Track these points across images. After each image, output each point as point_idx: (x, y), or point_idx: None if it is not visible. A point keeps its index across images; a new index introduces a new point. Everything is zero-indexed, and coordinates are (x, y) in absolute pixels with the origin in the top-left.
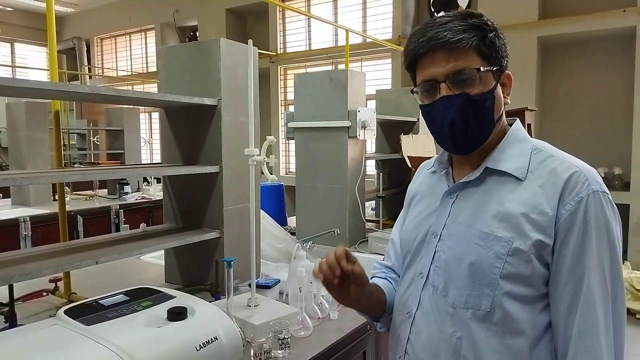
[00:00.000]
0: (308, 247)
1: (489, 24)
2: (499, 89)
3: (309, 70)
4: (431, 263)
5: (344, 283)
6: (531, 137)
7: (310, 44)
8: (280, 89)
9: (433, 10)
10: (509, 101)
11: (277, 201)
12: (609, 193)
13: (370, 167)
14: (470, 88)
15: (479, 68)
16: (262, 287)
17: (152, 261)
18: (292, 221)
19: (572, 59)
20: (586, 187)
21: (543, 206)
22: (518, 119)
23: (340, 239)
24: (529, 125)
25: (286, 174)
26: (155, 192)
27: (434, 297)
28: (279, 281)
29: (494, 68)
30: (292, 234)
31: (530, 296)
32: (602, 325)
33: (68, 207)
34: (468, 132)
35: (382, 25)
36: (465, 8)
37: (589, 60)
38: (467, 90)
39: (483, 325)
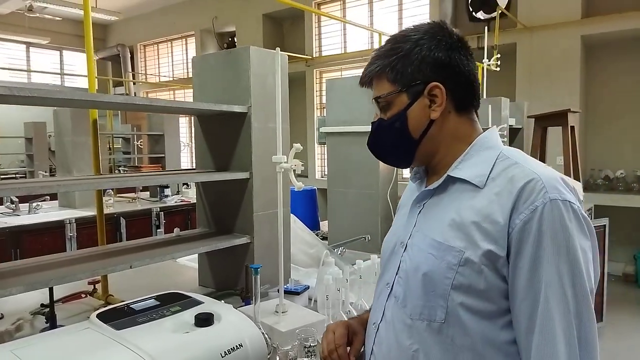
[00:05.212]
0: (339, 252)
1: (399, 47)
2: (418, 105)
3: (345, 73)
4: (396, 273)
5: None
6: (574, 140)
7: (345, 47)
8: (316, 92)
9: (471, 9)
10: (435, 114)
11: (309, 205)
12: (573, 202)
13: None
14: (385, 112)
15: (385, 94)
16: (291, 293)
17: (188, 264)
18: (325, 225)
19: (618, 58)
20: (542, 195)
21: (495, 215)
22: (495, 126)
23: (371, 244)
24: (572, 127)
25: (322, 177)
26: (193, 195)
27: (395, 307)
28: (308, 287)
29: (402, 89)
30: (325, 238)
31: (488, 311)
32: (562, 345)
33: (112, 210)
34: (383, 153)
35: None
36: (505, 7)
37: (637, 60)
38: (384, 114)
39: (438, 338)
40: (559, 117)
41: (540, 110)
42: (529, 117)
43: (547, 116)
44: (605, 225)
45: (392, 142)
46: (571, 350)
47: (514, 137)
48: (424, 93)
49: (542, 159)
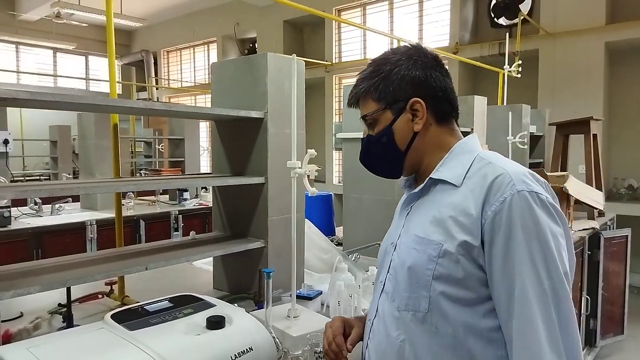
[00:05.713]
0: (353, 258)
1: (380, 69)
2: (402, 120)
3: None
4: (387, 271)
5: None
6: (597, 148)
7: (365, 53)
8: (335, 97)
9: (493, 15)
10: (418, 127)
11: (325, 211)
12: (541, 193)
13: None
14: (372, 129)
15: (371, 112)
16: (304, 298)
17: (203, 267)
18: (340, 231)
19: None
20: (510, 188)
21: (469, 209)
22: (475, 133)
23: None
24: (594, 135)
25: (339, 182)
26: (212, 198)
27: (385, 302)
28: (320, 292)
29: (386, 106)
30: (340, 244)
31: (468, 299)
32: (541, 327)
33: (132, 212)
34: (375, 166)
35: (439, 32)
36: (527, 13)
37: None
38: (372, 130)
39: (422, 327)
40: (581, 125)
41: (562, 117)
42: (550, 124)
43: (569, 124)
44: (627, 236)
45: (381, 155)
46: (551, 331)
47: (535, 144)
48: (406, 108)
49: (564, 167)
